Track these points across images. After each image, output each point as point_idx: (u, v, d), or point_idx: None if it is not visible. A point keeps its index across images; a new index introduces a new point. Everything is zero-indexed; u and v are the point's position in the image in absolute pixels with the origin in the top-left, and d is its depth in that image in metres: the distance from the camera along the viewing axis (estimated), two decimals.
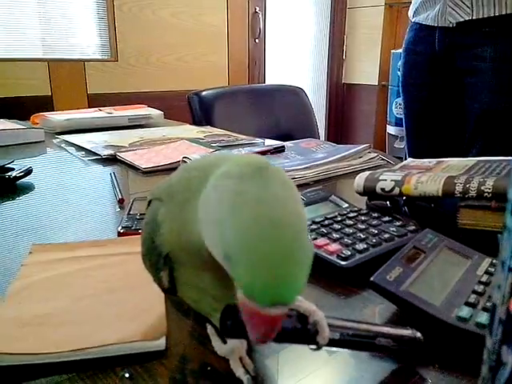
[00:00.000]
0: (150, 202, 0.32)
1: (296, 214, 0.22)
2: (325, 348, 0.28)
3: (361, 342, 0.30)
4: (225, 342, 0.31)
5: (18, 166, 0.75)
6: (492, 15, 0.89)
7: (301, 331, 0.27)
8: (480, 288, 0.35)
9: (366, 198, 0.60)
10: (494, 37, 0.92)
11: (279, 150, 0.90)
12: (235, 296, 0.23)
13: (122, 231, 0.52)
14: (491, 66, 0.93)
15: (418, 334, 0.31)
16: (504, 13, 0.88)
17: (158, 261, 0.30)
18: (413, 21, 1.08)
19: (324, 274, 0.43)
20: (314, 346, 0.27)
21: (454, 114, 1.05)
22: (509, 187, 0.16)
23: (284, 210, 0.21)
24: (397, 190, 0.55)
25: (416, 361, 0.31)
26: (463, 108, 1.02)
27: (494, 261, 0.39)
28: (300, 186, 0.72)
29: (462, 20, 0.93)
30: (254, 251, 0.20)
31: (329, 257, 0.43)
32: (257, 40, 2.71)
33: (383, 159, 0.89)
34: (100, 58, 2.19)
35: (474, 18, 0.91)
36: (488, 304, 0.33)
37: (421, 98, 1.10)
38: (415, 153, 1.13)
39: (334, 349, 0.31)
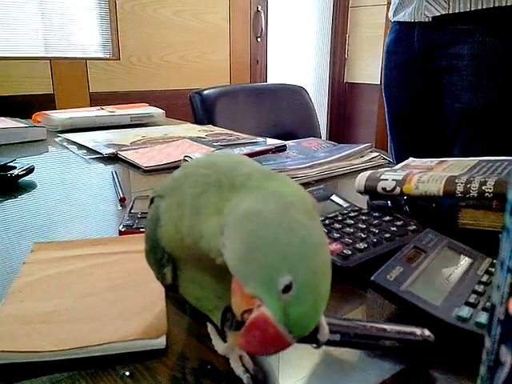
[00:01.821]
0: (152, 200, 0.32)
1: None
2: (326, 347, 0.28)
3: (362, 343, 0.30)
4: (225, 341, 0.31)
5: (19, 164, 0.76)
6: (468, 9, 0.89)
7: None
8: (480, 288, 0.35)
9: (367, 197, 0.60)
10: (471, 34, 0.91)
11: (280, 149, 0.90)
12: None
13: (123, 230, 0.52)
14: (469, 63, 0.93)
15: (427, 333, 0.30)
16: (480, 7, 0.87)
17: (163, 257, 0.30)
18: (392, 20, 1.08)
19: None
20: (314, 345, 0.27)
21: (435, 114, 1.04)
22: (509, 187, 0.16)
23: (328, 256, 0.24)
24: (398, 190, 0.55)
25: (426, 361, 0.31)
26: (443, 108, 1.02)
27: (495, 261, 0.39)
28: (301, 186, 0.72)
29: (438, 14, 0.93)
30: (315, 294, 0.22)
31: None
32: (259, 39, 2.70)
33: (384, 158, 0.89)
34: (102, 56, 2.19)
35: (450, 12, 0.91)
36: (488, 304, 0.33)
37: (402, 100, 1.09)
38: (398, 152, 1.14)
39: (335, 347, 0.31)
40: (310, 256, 0.22)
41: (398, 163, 1.09)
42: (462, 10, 0.90)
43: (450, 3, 0.90)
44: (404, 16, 1.01)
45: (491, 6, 0.86)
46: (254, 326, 0.22)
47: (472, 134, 0.97)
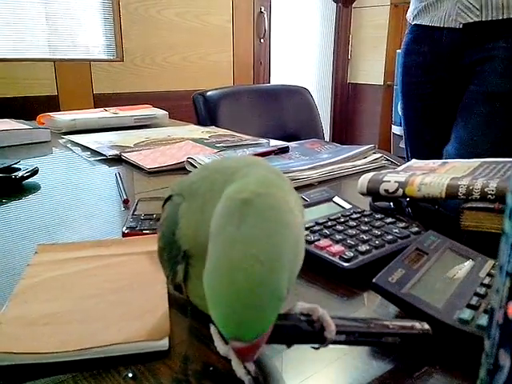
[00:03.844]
0: (169, 197, 0.33)
1: (263, 257, 0.22)
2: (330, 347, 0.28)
3: (366, 341, 0.30)
4: (227, 343, 0.31)
5: (24, 166, 0.76)
6: (500, 18, 0.91)
7: (307, 331, 0.28)
8: (482, 290, 0.35)
9: (369, 199, 0.60)
10: (506, 32, 0.93)
11: (283, 150, 0.90)
12: None
13: (126, 231, 0.52)
14: (503, 53, 0.95)
15: (426, 326, 0.31)
16: None
17: (178, 254, 0.31)
18: (413, 23, 1.10)
19: (326, 276, 0.43)
20: (317, 345, 0.28)
21: (456, 106, 1.06)
22: (508, 192, 0.16)
23: (248, 254, 0.22)
24: (400, 192, 0.55)
25: (424, 353, 0.32)
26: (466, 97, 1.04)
27: (497, 263, 0.39)
28: (304, 187, 0.73)
29: (471, 21, 0.95)
30: (217, 295, 0.22)
31: (331, 258, 0.43)
32: (262, 40, 2.71)
33: (387, 159, 0.89)
34: (106, 58, 2.20)
35: (483, 19, 0.93)
36: (490, 306, 0.33)
37: (424, 95, 1.11)
38: (414, 146, 1.16)
39: (339, 347, 0.31)
40: (212, 258, 0.23)
41: (412, 156, 1.12)
42: (494, 19, 0.92)
43: (483, 11, 0.93)
44: (431, 21, 1.03)
45: None
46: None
47: (491, 114, 0.98)
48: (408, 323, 0.31)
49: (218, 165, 0.31)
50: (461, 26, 0.97)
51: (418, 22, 1.07)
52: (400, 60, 1.15)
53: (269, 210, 0.24)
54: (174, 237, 0.30)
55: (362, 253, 0.44)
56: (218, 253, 0.23)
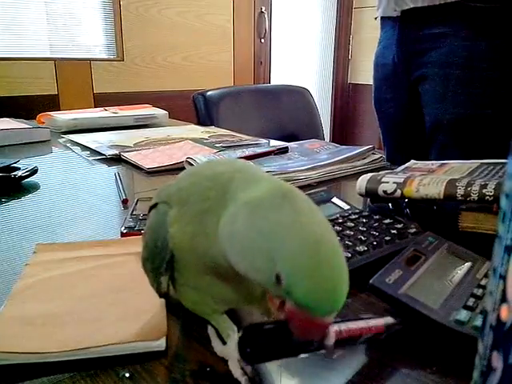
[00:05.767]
0: (154, 205, 0.32)
1: (335, 236, 0.24)
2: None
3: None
4: (224, 343, 0.31)
5: (23, 165, 0.76)
6: (437, 3, 0.86)
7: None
8: (479, 291, 0.35)
9: (368, 199, 0.60)
10: (443, 39, 0.89)
11: (283, 150, 0.90)
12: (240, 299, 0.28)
13: (125, 231, 0.52)
14: (437, 71, 0.90)
15: (390, 320, 0.32)
16: (449, 0, 0.85)
17: (161, 265, 0.30)
18: (374, 18, 1.07)
19: None
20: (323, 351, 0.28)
21: (420, 127, 1.00)
22: (500, 195, 0.16)
23: (327, 233, 0.24)
24: (398, 193, 0.55)
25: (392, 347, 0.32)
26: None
27: (491, 265, 0.39)
28: (303, 187, 0.73)
29: (406, 8, 0.91)
30: (313, 273, 0.23)
31: None
32: (262, 40, 2.71)
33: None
34: (106, 57, 2.20)
35: (419, 5, 0.89)
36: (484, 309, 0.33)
37: (390, 113, 1.08)
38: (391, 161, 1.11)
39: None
40: (289, 243, 0.23)
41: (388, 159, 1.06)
42: (430, 4, 0.87)
43: None
44: (379, 13, 1.01)
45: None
46: (289, 319, 0.24)
47: (442, 148, 0.92)
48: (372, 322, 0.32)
49: (206, 171, 0.30)
50: (399, 14, 0.92)
51: (375, 16, 1.04)
52: (373, 73, 1.11)
53: (308, 199, 0.25)
54: (157, 247, 0.30)
55: (360, 253, 0.44)
56: (298, 240, 0.23)
